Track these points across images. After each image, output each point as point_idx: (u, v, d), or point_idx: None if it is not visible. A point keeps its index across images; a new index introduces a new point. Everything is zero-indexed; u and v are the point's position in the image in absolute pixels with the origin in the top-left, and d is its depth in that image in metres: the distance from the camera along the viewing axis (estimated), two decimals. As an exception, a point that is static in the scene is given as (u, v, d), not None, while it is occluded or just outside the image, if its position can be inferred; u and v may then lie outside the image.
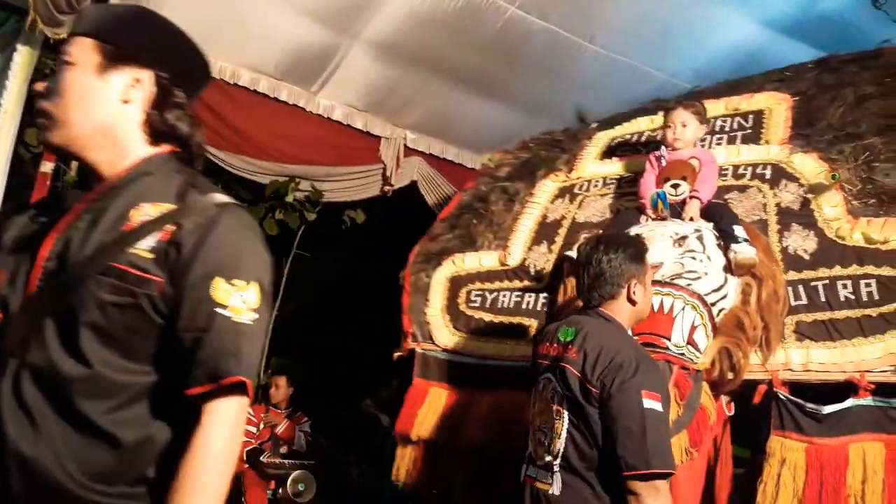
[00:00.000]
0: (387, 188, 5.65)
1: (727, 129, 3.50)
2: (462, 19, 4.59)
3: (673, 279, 2.61)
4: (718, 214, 2.88)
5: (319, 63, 4.95)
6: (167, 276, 1.17)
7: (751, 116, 3.54)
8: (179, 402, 1.16)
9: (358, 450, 5.44)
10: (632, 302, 2.27)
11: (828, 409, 2.54)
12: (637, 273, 2.27)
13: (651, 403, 2.02)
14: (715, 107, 3.52)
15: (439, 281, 3.52)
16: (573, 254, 2.90)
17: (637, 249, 2.31)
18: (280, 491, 4.65)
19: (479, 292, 3.42)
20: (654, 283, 2.48)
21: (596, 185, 3.53)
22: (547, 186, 3.65)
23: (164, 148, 1.31)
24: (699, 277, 2.58)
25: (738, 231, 2.78)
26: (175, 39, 1.33)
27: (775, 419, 2.59)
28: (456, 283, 3.49)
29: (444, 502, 3.10)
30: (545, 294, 3.27)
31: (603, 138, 3.82)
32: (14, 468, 1.13)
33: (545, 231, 3.47)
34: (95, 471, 1.14)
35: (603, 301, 2.26)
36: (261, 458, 4.85)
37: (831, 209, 2.92)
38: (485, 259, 3.51)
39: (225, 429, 1.16)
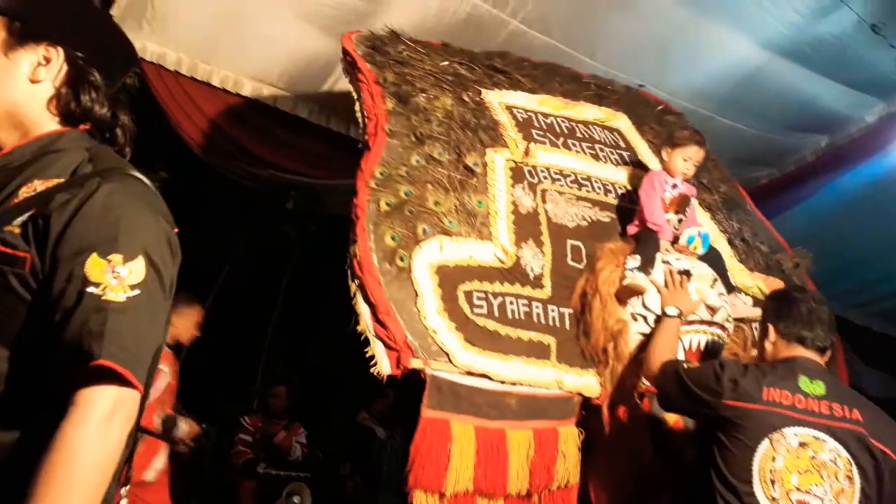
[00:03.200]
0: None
1: (604, 140, 3.57)
2: (465, 33, 4.61)
3: (724, 321, 2.83)
4: (713, 259, 3.06)
5: (323, 72, 4.94)
6: (35, 250, 1.08)
7: (612, 132, 3.67)
8: (53, 397, 1.02)
9: (353, 462, 5.42)
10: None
11: None
12: None
13: None
14: (589, 110, 3.64)
15: (423, 270, 2.61)
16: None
17: None
18: (275, 502, 4.61)
19: (482, 294, 2.69)
20: (712, 323, 2.75)
21: (546, 178, 3.15)
22: (498, 162, 3.04)
23: (80, 127, 1.24)
24: (728, 318, 2.87)
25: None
26: (91, 18, 1.26)
27: None
28: (447, 278, 2.66)
29: None
30: (555, 307, 2.83)
31: (496, 102, 3.37)
32: None
33: (525, 226, 2.95)
34: None
35: (824, 353, 2.25)
36: (257, 469, 4.82)
37: (728, 259, 3.30)
38: (477, 251, 2.76)
39: (91, 424, 1.00)
